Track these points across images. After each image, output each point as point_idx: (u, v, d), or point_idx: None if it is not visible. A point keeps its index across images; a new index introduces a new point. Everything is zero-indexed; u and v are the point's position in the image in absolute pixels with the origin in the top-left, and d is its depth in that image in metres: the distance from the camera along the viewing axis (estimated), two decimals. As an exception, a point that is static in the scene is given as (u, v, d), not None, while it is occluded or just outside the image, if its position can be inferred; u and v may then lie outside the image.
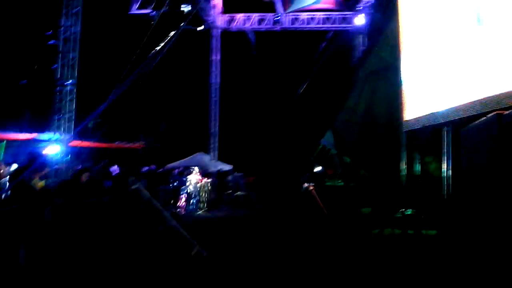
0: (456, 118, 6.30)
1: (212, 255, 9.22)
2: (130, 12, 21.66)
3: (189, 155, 26.31)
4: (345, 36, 23.25)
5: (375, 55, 14.12)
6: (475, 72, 5.99)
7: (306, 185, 6.89)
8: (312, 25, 23.49)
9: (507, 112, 4.54)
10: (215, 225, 13.97)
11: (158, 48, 20.08)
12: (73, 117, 15.89)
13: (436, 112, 6.83)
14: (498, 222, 4.67)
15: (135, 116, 23.75)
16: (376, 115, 13.85)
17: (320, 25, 23.48)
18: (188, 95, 26.18)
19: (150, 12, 21.65)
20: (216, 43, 24.72)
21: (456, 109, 6.30)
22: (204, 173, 20.76)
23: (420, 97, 7.58)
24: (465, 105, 6.01)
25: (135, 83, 19.90)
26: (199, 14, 22.24)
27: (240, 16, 24.19)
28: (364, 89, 14.71)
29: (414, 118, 7.59)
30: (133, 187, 9.97)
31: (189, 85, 25.68)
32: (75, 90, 16.23)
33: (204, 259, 8.95)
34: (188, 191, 16.83)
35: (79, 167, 12.15)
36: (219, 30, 24.66)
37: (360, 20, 21.95)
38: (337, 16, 23.17)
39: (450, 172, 6.34)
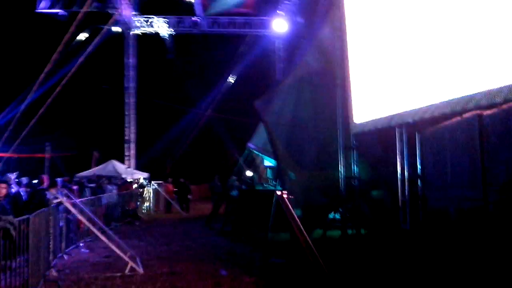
0: (413, 120, 6.37)
1: (148, 272, 8.57)
2: (37, 10, 19.91)
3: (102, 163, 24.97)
4: (264, 41, 23.40)
5: (301, 62, 14.23)
6: (430, 74, 6.09)
7: (279, 192, 6.60)
8: (231, 29, 23.31)
9: (488, 112, 4.59)
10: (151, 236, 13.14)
11: (68, 49, 18.77)
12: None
13: (389, 115, 6.88)
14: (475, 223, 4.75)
15: (41, 123, 21.74)
16: (304, 119, 13.93)
17: (240, 30, 23.37)
18: (102, 100, 24.81)
19: (59, 12, 20.10)
20: (130, 45, 23.59)
21: (411, 112, 6.37)
22: (123, 183, 19.69)
23: (369, 100, 7.63)
24: (423, 107, 6.07)
25: (43, 87, 18.38)
26: (113, 14, 21.06)
27: (157, 18, 23.31)
28: (289, 94, 14.76)
29: (363, 121, 7.62)
30: (56, 201, 9.01)
31: (104, 90, 24.31)
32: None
33: (138, 277, 8.26)
34: (110, 203, 15.69)
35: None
36: (134, 32, 23.59)
37: (279, 25, 22.18)
38: (257, 21, 23.22)
39: (406, 173, 6.39)
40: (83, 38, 19.18)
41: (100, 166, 24.61)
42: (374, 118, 7.32)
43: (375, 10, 7.71)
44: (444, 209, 5.56)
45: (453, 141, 5.28)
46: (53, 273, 8.30)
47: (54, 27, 19.26)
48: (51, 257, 8.63)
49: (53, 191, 9.48)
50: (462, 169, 5.09)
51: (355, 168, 9.77)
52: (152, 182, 21.70)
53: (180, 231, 14.70)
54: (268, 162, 17.44)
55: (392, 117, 6.79)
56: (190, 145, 25.26)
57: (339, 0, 9.27)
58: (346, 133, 9.93)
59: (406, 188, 6.46)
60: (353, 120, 7.82)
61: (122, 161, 24.42)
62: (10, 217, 5.27)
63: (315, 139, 13.17)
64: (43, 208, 8.44)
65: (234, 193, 15.83)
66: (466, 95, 5.22)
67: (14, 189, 10.78)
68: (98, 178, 19.50)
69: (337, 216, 10.42)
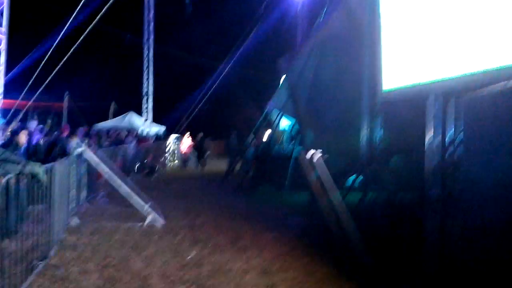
0: (449, 87, 6.14)
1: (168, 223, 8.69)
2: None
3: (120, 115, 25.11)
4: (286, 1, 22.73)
5: (326, 24, 13.85)
6: (470, 39, 5.81)
7: (311, 152, 6.51)
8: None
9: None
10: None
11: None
12: (4, 71, 13.55)
13: (422, 81, 6.64)
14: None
15: (61, 73, 21.65)
16: (325, 82, 13.72)
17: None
18: (121, 53, 24.61)
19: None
20: (149, -1, 23.17)
21: (447, 79, 6.14)
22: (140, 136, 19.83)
23: (399, 66, 7.37)
24: (460, 75, 5.83)
25: (65, 38, 18.21)
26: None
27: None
28: (311, 56, 14.49)
29: (392, 88, 7.41)
30: (79, 150, 9.06)
31: (122, 42, 24.04)
32: (4, 41, 13.73)
33: (158, 228, 8.40)
34: (128, 154, 15.83)
35: (15, 127, 10.85)
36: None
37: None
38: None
39: (439, 139, 6.24)
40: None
41: (118, 118, 24.79)
42: (404, 84, 7.10)
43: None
44: (481, 178, 5.45)
45: (494, 109, 5.10)
46: (75, 220, 8.46)
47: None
48: (73, 205, 8.76)
49: (75, 139, 9.55)
50: (506, 138, 4.94)
51: (378, 134, 9.63)
52: (173, 135, 21.73)
53: (197, 186, 14.85)
54: (286, 123, 17.31)
55: (425, 84, 6.56)
56: (208, 102, 25.10)
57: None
58: (371, 98, 9.71)
59: (436, 155, 6.33)
60: (381, 86, 7.59)
61: (139, 114, 24.52)
62: (39, 163, 5.30)
63: (336, 102, 12.99)
64: (66, 157, 8.52)
65: (251, 151, 15.94)
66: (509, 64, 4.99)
67: (36, 137, 10.90)
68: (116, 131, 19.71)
69: (358, 180, 10.35)
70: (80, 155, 9.18)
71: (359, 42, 10.51)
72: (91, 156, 9.14)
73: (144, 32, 23.55)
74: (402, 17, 7.58)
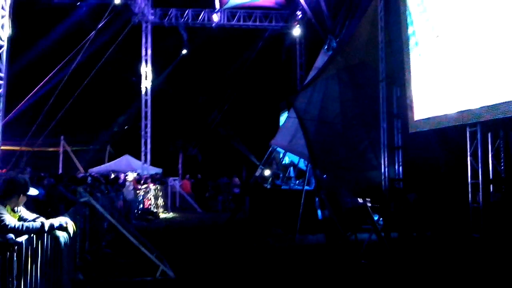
0: (491, 118, 5.73)
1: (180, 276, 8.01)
2: (54, 1, 19.44)
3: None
4: (284, 35, 22.80)
5: (335, 56, 13.60)
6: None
7: (361, 201, 6.11)
8: (249, 23, 22.62)
9: None
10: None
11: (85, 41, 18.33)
12: (2, 116, 12.41)
13: (457, 111, 6.24)
14: None
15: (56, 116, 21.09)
16: (331, 116, 13.33)
17: (258, 23, 22.68)
18: (118, 94, 24.24)
19: (76, 2, 19.66)
20: (147, 39, 22.96)
21: (487, 108, 5.74)
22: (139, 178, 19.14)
23: (430, 95, 6.98)
24: (501, 103, 5.43)
25: (60, 80, 17.90)
26: (130, 7, 20.48)
27: (173, 11, 22.69)
28: (315, 90, 14.16)
29: (422, 118, 6.97)
30: (83, 199, 8.47)
31: (120, 83, 23.70)
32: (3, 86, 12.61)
33: (170, 281, 7.71)
34: (128, 199, 15.09)
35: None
36: (150, 25, 22.96)
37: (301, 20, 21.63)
38: (276, 14, 22.54)
39: (480, 177, 5.77)
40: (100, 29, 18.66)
41: (114, 162, 24.19)
42: (434, 115, 6.68)
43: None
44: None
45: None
46: (80, 276, 7.75)
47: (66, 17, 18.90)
48: (77, 259, 8.08)
49: (79, 188, 8.96)
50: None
51: (399, 169, 9.12)
52: (170, 179, 21.13)
53: (201, 230, 14.16)
54: (290, 160, 16.85)
55: (460, 114, 6.14)
56: (203, 142, 24.70)
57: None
58: (390, 131, 9.30)
59: (480, 193, 5.85)
60: (413, 118, 7.15)
61: (136, 157, 23.93)
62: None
63: (348, 137, 12.59)
64: (72, 207, 7.93)
65: (237, 190, 16.73)
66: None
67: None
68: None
69: (377, 218, 9.76)
70: (83, 204, 8.57)
71: (375, 76, 10.18)
72: (96, 205, 8.53)
73: (142, 72, 23.12)
74: (433, 43, 7.18)
